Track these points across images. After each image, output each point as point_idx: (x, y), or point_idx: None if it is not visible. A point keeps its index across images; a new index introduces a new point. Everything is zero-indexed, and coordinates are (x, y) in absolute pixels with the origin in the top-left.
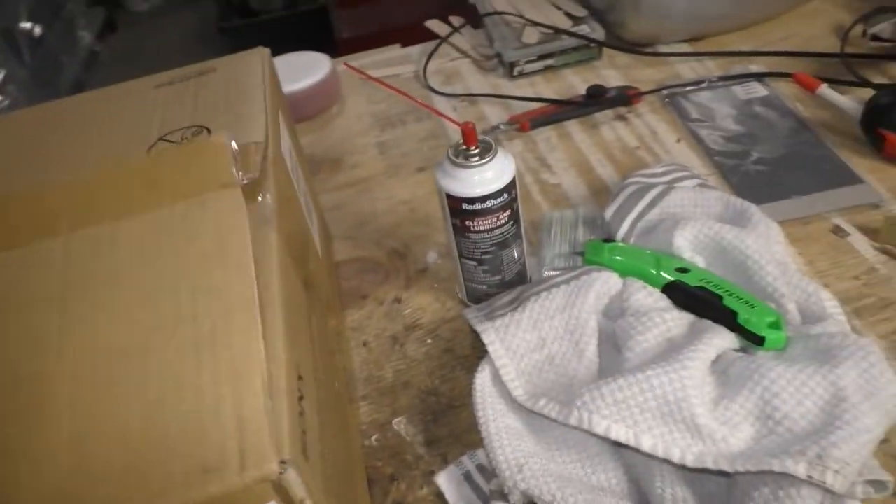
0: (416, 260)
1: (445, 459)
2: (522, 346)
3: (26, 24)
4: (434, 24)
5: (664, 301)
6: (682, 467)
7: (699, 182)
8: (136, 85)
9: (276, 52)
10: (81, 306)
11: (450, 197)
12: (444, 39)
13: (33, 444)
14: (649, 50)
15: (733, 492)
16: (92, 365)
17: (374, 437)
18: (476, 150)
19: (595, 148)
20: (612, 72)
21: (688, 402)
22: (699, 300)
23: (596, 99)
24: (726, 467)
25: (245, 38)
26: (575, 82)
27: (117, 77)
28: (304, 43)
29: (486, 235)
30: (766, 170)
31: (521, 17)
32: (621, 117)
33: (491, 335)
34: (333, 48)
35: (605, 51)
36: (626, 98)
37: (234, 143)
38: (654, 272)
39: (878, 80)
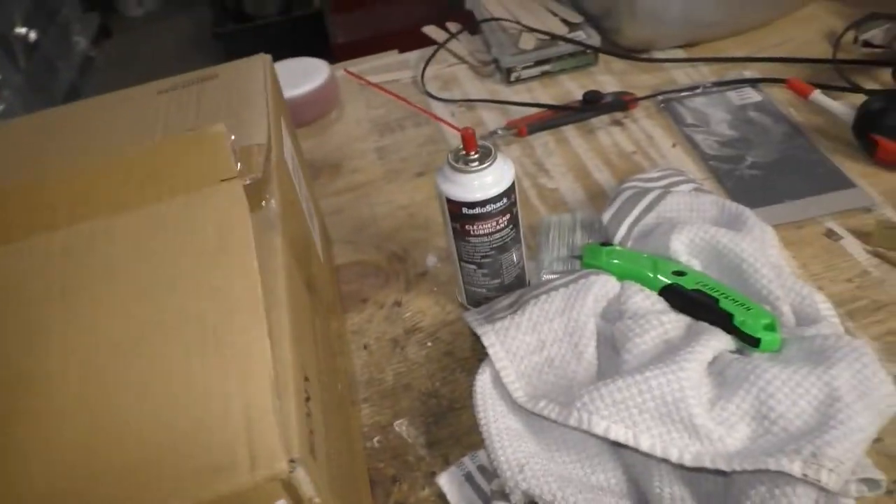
0: (415, 264)
1: (447, 460)
2: (522, 349)
3: (21, 30)
4: (431, 30)
5: (661, 304)
6: (681, 467)
7: (695, 186)
8: (139, 91)
9: (272, 57)
10: (83, 303)
11: (450, 201)
12: (441, 45)
13: (43, 444)
14: (644, 56)
15: (730, 491)
16: (97, 363)
17: (375, 439)
18: (476, 156)
19: (592, 153)
20: (608, 77)
21: (685, 403)
22: (696, 303)
23: (592, 104)
24: (723, 466)
25: (240, 43)
26: (571, 88)
27: (112, 82)
28: (299, 48)
29: (485, 239)
30: (761, 174)
31: (518, 23)
32: (617, 122)
33: (491, 338)
34: (329, 53)
35: (601, 56)
36: (622, 103)
37: (231, 136)
38: (652, 275)
39: (870, 85)
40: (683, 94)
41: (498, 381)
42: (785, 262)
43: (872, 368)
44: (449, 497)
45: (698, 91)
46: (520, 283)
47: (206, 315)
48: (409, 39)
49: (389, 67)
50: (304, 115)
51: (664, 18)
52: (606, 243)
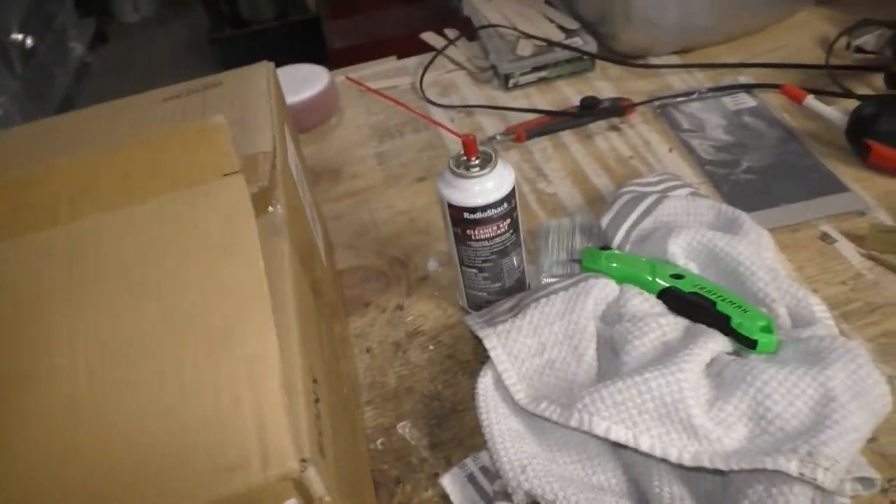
0: (416, 268)
1: (449, 462)
2: (523, 351)
3: (18, 36)
4: (429, 37)
5: (660, 306)
6: (680, 466)
7: (691, 191)
8: (144, 98)
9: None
10: (89, 301)
11: (451, 206)
12: (440, 52)
13: (58, 444)
14: (640, 62)
15: (728, 490)
16: (107, 362)
17: (379, 441)
18: (477, 161)
19: (590, 158)
20: (604, 83)
21: (684, 404)
22: (693, 305)
23: (590, 110)
24: (721, 466)
25: (236, 48)
26: (569, 93)
27: (108, 88)
28: (295, 53)
29: (486, 244)
30: (756, 179)
31: (515, 29)
32: (615, 128)
33: (493, 341)
34: (325, 58)
35: (598, 62)
36: (619, 109)
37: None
38: (650, 279)
39: (863, 90)
40: (679, 99)
41: (500, 383)
42: (780, 265)
43: (867, 369)
44: (452, 498)
45: (694, 96)
46: (520, 286)
47: (214, 315)
48: (406, 45)
49: (388, 73)
50: (305, 121)
51: (659, 24)
52: (605, 247)
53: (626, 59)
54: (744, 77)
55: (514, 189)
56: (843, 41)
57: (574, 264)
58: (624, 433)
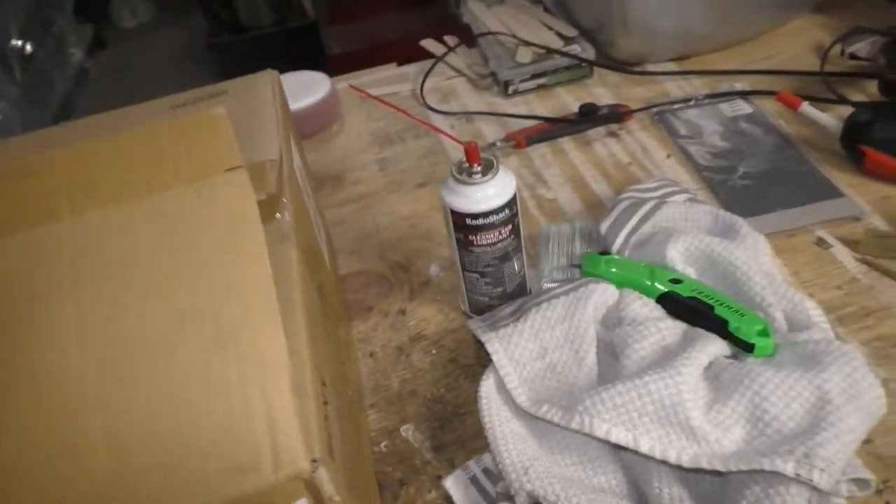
0: (418, 273)
1: (452, 464)
2: (525, 355)
3: (17, 42)
4: (429, 44)
5: (659, 311)
6: (679, 468)
7: (689, 197)
8: (151, 106)
9: (266, 68)
10: (95, 299)
11: (454, 213)
12: (440, 59)
13: (71, 444)
14: (638, 69)
15: (727, 491)
16: (115, 361)
17: (383, 444)
18: (479, 168)
19: (589, 164)
20: (602, 90)
21: (683, 406)
22: (692, 310)
23: (588, 116)
24: (720, 467)
25: (235, 54)
26: (567, 100)
27: (107, 93)
28: (293, 59)
29: (488, 249)
30: (753, 184)
31: (514, 36)
32: (613, 134)
33: (495, 345)
34: (324, 64)
35: (596, 69)
36: (617, 115)
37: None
38: (649, 283)
39: (857, 97)
40: (677, 106)
41: (502, 386)
42: (777, 270)
43: (861, 372)
44: (455, 499)
45: (691, 103)
46: (521, 291)
47: (221, 314)
48: (404, 50)
49: (389, 80)
50: (306, 127)
51: (656, 32)
52: (605, 252)
53: (624, 66)
54: (740, 84)
55: (515, 195)
56: (837, 48)
57: (574, 269)
58: (624, 435)
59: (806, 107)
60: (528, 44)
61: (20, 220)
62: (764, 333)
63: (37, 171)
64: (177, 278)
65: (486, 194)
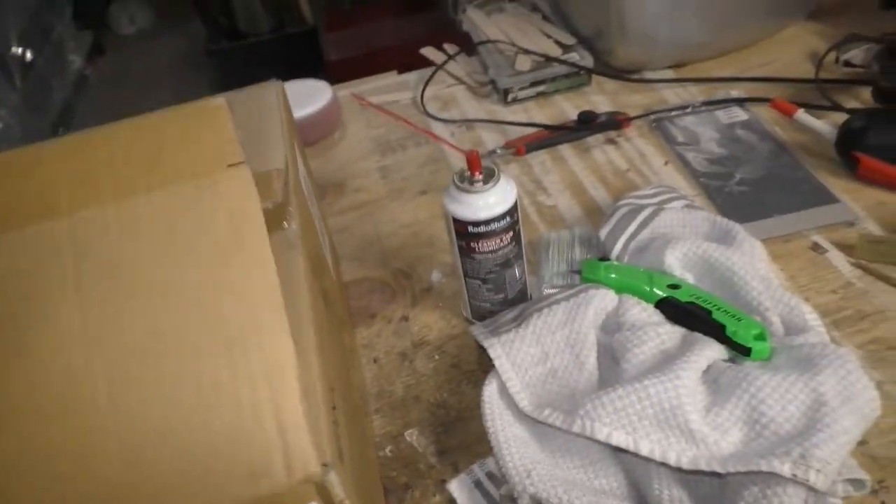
0: (421, 280)
1: (456, 468)
2: (527, 360)
3: (17, 50)
4: (429, 52)
5: (657, 316)
6: (678, 470)
7: (687, 203)
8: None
9: (265, 74)
10: (99, 300)
11: (456, 221)
12: (439, 67)
13: (84, 448)
14: (636, 76)
15: (725, 492)
16: (124, 364)
17: (388, 449)
18: (480, 177)
19: (588, 171)
20: (601, 97)
21: (682, 409)
22: (690, 314)
23: (587, 124)
24: (718, 469)
25: (233, 60)
26: (566, 108)
27: (106, 99)
28: (292, 65)
29: (490, 256)
30: (749, 190)
31: (514, 45)
32: (611, 141)
33: (497, 350)
34: (322, 70)
35: (594, 77)
36: (615, 123)
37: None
38: (648, 289)
39: (852, 104)
40: (674, 113)
41: (504, 391)
42: (773, 275)
43: (856, 375)
44: (459, 503)
45: (688, 110)
46: (522, 297)
47: (227, 316)
48: (402, 56)
49: (389, 88)
50: (309, 135)
51: (654, 40)
52: (604, 258)
53: (622, 74)
54: (736, 91)
55: (516, 203)
56: (831, 55)
57: (574, 275)
58: (624, 438)
59: (801, 114)
60: (527, 52)
61: (16, 216)
62: (761, 337)
63: (32, 164)
64: (181, 280)
65: (488, 202)
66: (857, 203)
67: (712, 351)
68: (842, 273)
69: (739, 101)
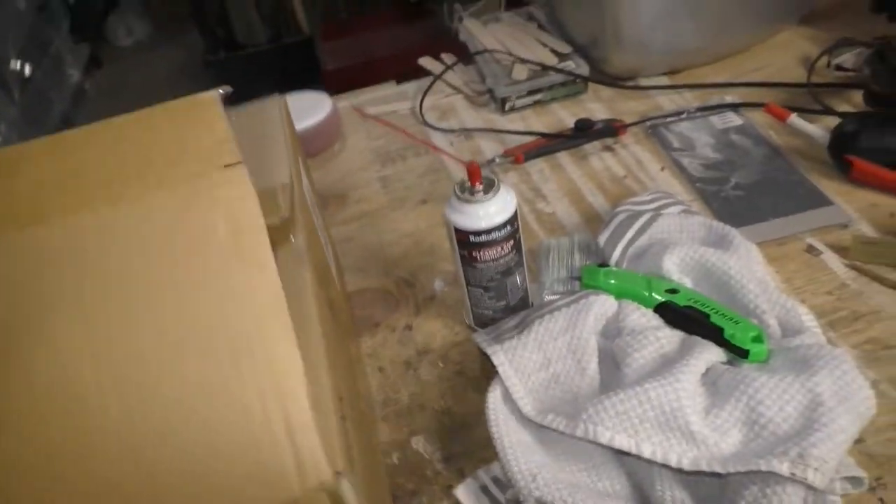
0: (423, 288)
1: (462, 474)
2: (529, 366)
3: (16, 65)
4: (427, 62)
5: (657, 320)
6: (680, 471)
7: (683, 208)
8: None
9: (262, 84)
10: (101, 309)
11: (458, 230)
12: (438, 77)
13: (97, 461)
14: (631, 83)
15: (726, 492)
16: (132, 377)
17: (394, 456)
18: (480, 187)
19: (585, 178)
20: (597, 105)
21: (682, 412)
22: (688, 318)
23: (584, 131)
24: (719, 469)
25: (231, 71)
26: (563, 115)
27: (104, 112)
28: (289, 75)
29: (491, 264)
30: (744, 195)
31: (510, 54)
32: (608, 148)
33: (500, 357)
34: (319, 80)
35: (591, 85)
36: (612, 130)
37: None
38: (647, 294)
39: (844, 107)
40: (669, 119)
41: (508, 397)
42: (769, 278)
43: (852, 375)
44: None
45: (683, 116)
46: (524, 304)
47: (232, 325)
48: (399, 64)
49: (388, 99)
50: (310, 147)
51: (648, 47)
52: (603, 264)
53: (618, 81)
54: (730, 96)
55: (516, 212)
56: (823, 60)
57: (574, 282)
58: (627, 441)
59: (794, 118)
60: (523, 61)
61: (3, 222)
62: (758, 340)
63: (16, 164)
64: (182, 288)
65: (489, 212)
66: (850, 205)
67: (711, 354)
68: (836, 274)
69: (734, 107)
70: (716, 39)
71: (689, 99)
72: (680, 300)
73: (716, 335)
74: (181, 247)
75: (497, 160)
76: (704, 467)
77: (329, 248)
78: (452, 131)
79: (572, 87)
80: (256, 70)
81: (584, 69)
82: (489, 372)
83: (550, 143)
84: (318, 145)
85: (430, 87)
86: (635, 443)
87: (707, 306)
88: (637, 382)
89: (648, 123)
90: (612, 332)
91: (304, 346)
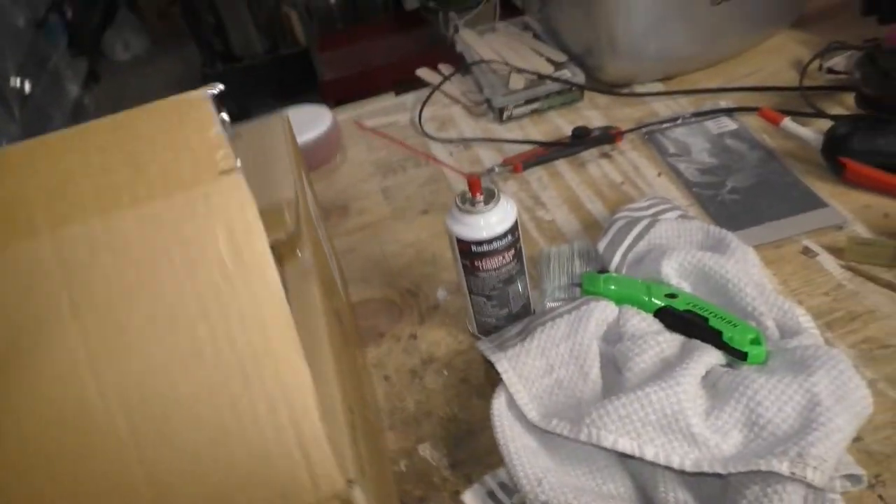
0: (427, 298)
1: (469, 480)
2: (533, 373)
3: (16, 82)
4: (425, 73)
5: (657, 325)
6: (682, 472)
7: (681, 213)
8: None
9: (260, 96)
10: (101, 325)
11: (459, 241)
12: (436, 88)
13: (111, 482)
14: (626, 91)
15: (728, 492)
16: (139, 395)
17: (402, 464)
18: (481, 198)
19: (584, 185)
20: (593, 112)
21: (683, 414)
22: (688, 322)
23: (581, 139)
24: (720, 470)
25: (229, 83)
26: (560, 124)
27: None
28: (287, 86)
29: (493, 274)
30: (740, 198)
31: (507, 64)
32: (606, 155)
33: (504, 364)
34: (317, 90)
35: (587, 93)
36: (609, 137)
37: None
38: (646, 299)
39: (836, 110)
40: (665, 125)
41: (512, 403)
42: (767, 280)
43: (848, 374)
44: None
45: (678, 122)
46: (526, 311)
47: (238, 343)
48: (395, 73)
49: (387, 110)
50: (311, 160)
51: (642, 54)
52: (603, 271)
53: (613, 89)
54: (724, 101)
55: (516, 222)
56: (815, 63)
57: (575, 288)
58: (630, 444)
59: (787, 122)
60: (520, 70)
61: None
62: (756, 342)
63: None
64: (185, 304)
65: (489, 222)
66: (844, 207)
67: (710, 357)
68: (832, 275)
69: (728, 112)
70: (709, 45)
71: (684, 105)
72: (679, 304)
73: (715, 338)
74: (180, 259)
75: (496, 169)
76: (706, 468)
77: (333, 260)
78: (451, 141)
79: (568, 95)
80: (254, 82)
81: (579, 77)
82: (493, 379)
83: (548, 152)
84: (319, 158)
85: (428, 97)
86: (638, 445)
87: (706, 310)
88: (639, 386)
89: (644, 130)
90: (613, 338)
91: (313, 358)
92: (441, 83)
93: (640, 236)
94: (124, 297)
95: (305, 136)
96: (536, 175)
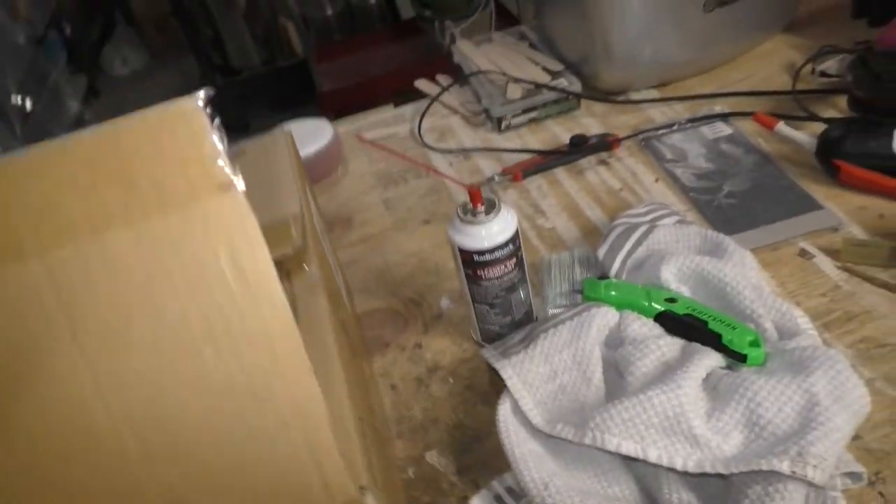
0: (430, 307)
1: (477, 485)
2: (537, 379)
3: (17, 99)
4: (423, 84)
5: (657, 329)
6: (685, 474)
7: (678, 219)
8: None
9: (259, 107)
10: (103, 351)
11: (462, 251)
12: (434, 99)
13: (125, 499)
14: (622, 98)
15: (730, 492)
16: (149, 419)
17: (410, 471)
18: (482, 209)
19: (582, 192)
20: (590, 120)
21: (685, 417)
22: (688, 326)
23: (579, 147)
24: (722, 470)
25: (227, 95)
26: (558, 132)
27: None
28: (285, 97)
29: (496, 282)
30: (737, 202)
31: (504, 74)
32: (603, 162)
33: (508, 371)
34: (315, 101)
35: (583, 101)
36: (606, 144)
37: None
38: (647, 304)
39: (829, 112)
40: (661, 131)
41: (517, 409)
42: (764, 283)
43: (846, 374)
44: None
45: (674, 128)
46: (528, 318)
47: (247, 364)
48: (393, 83)
49: (387, 122)
50: (313, 174)
51: (637, 61)
52: (603, 277)
53: (609, 96)
54: (719, 106)
55: (517, 231)
56: (808, 67)
57: (576, 295)
58: (633, 447)
59: (781, 126)
60: (517, 80)
61: None
62: (755, 344)
63: None
64: (189, 326)
65: (491, 232)
66: (839, 208)
67: (710, 359)
68: (829, 277)
69: (723, 117)
70: (702, 51)
71: (680, 111)
72: (679, 309)
73: (714, 341)
74: (180, 279)
75: (496, 178)
76: (709, 469)
77: (338, 272)
78: (451, 152)
79: (565, 103)
80: (253, 94)
81: (576, 86)
82: (498, 386)
83: (547, 160)
84: (320, 171)
85: (427, 109)
86: (641, 448)
87: (705, 314)
88: (641, 390)
89: (641, 136)
90: (614, 343)
91: (323, 370)
92: (439, 94)
93: (638, 242)
94: (124, 320)
95: (307, 149)
96: (536, 183)
